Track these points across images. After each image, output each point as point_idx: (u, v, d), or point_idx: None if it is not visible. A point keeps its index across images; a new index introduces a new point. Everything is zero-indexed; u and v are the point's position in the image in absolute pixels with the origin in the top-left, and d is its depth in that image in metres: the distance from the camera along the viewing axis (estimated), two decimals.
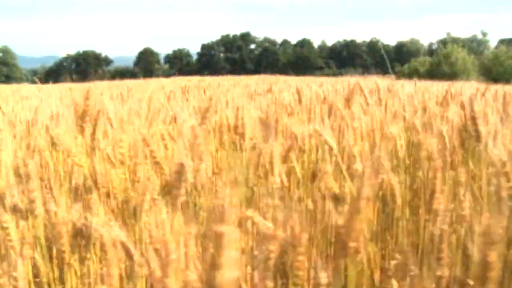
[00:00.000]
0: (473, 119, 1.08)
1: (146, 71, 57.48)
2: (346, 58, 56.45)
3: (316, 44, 58.74)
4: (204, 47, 59.36)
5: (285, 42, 58.75)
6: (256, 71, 49.51)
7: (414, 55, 36.38)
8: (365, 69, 51.20)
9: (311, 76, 27.80)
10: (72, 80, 49.29)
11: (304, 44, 57.35)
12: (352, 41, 58.24)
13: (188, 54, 60.49)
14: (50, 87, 8.53)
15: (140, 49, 61.93)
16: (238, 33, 60.48)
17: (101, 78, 55.69)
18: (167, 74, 54.85)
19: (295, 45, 57.70)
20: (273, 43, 59.24)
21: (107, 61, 61.00)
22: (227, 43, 59.02)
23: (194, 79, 12.20)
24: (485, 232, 0.46)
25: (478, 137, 1.08)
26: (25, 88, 8.54)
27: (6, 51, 58.16)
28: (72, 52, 60.55)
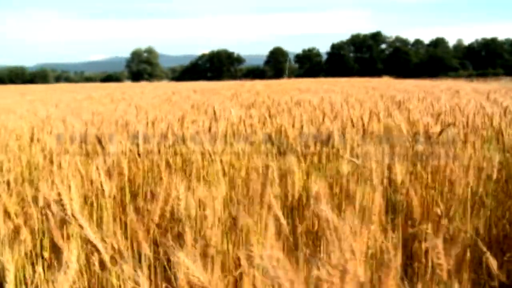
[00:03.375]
0: None
1: (276, 70, 58.95)
2: (484, 58, 52.79)
3: (451, 43, 55.88)
4: (333, 46, 59.21)
5: (417, 42, 56.59)
6: (386, 72, 48.41)
7: None
8: (508, 70, 47.51)
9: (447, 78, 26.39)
10: (206, 79, 52.13)
11: (438, 43, 54.78)
12: (493, 40, 54.29)
13: (317, 54, 60.77)
14: None
15: (272, 48, 63.38)
16: (368, 32, 59.50)
17: (233, 77, 58.34)
18: (296, 74, 55.86)
19: (428, 45, 55.35)
20: (404, 42, 57.38)
21: (239, 60, 63.43)
22: (357, 42, 58.30)
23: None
24: None
25: None
26: None
27: (150, 51, 63.19)
28: (207, 51, 63.85)
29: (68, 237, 1.25)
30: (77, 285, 1.24)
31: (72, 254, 0.81)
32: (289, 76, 42.32)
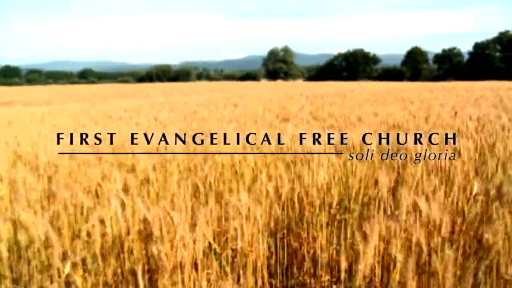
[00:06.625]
0: None
1: (413, 71, 56.90)
2: None
3: None
4: (477, 45, 55.76)
5: None
6: None
7: None
8: None
9: None
10: (340, 79, 51.85)
11: None
12: None
13: (458, 54, 57.73)
14: None
15: (409, 47, 61.39)
16: None
17: (369, 77, 57.32)
18: (434, 76, 53.45)
19: None
20: None
21: (375, 60, 62.41)
22: (505, 41, 54.24)
23: None
24: None
25: None
26: None
27: (286, 50, 64.71)
28: (344, 50, 63.63)
29: None
30: None
31: None
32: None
